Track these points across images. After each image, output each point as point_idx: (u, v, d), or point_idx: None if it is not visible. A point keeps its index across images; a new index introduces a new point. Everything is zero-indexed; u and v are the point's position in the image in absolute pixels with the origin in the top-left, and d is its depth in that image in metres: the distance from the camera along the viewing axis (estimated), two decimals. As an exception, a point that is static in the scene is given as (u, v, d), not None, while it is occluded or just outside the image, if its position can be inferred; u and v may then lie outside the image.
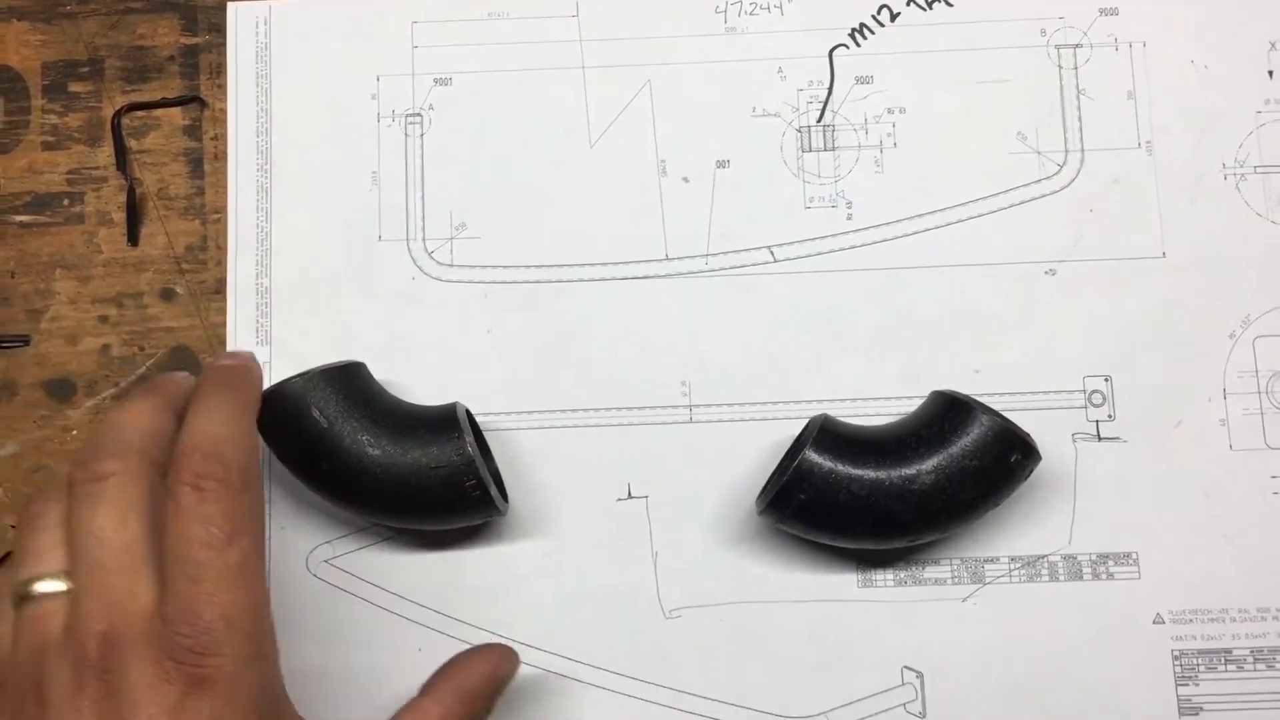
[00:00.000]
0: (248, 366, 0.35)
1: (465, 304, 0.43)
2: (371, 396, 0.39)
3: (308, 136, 0.44)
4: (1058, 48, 0.44)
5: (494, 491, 0.38)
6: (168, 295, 0.44)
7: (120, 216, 0.44)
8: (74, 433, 0.43)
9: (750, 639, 0.41)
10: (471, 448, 0.38)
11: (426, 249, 0.44)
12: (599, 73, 0.44)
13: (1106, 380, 0.42)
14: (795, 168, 0.44)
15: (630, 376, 0.43)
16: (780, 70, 0.44)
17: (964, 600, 0.41)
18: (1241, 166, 0.43)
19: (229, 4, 0.45)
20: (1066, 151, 0.43)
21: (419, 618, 0.42)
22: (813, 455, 0.38)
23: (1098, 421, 0.42)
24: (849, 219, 0.43)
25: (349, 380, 0.39)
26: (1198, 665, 0.41)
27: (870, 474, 0.38)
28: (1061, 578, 0.41)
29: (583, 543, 0.42)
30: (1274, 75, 0.44)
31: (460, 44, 0.45)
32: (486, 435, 0.42)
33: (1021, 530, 0.41)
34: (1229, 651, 0.41)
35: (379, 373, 0.41)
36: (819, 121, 0.44)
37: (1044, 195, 0.43)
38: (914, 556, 0.41)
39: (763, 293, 0.43)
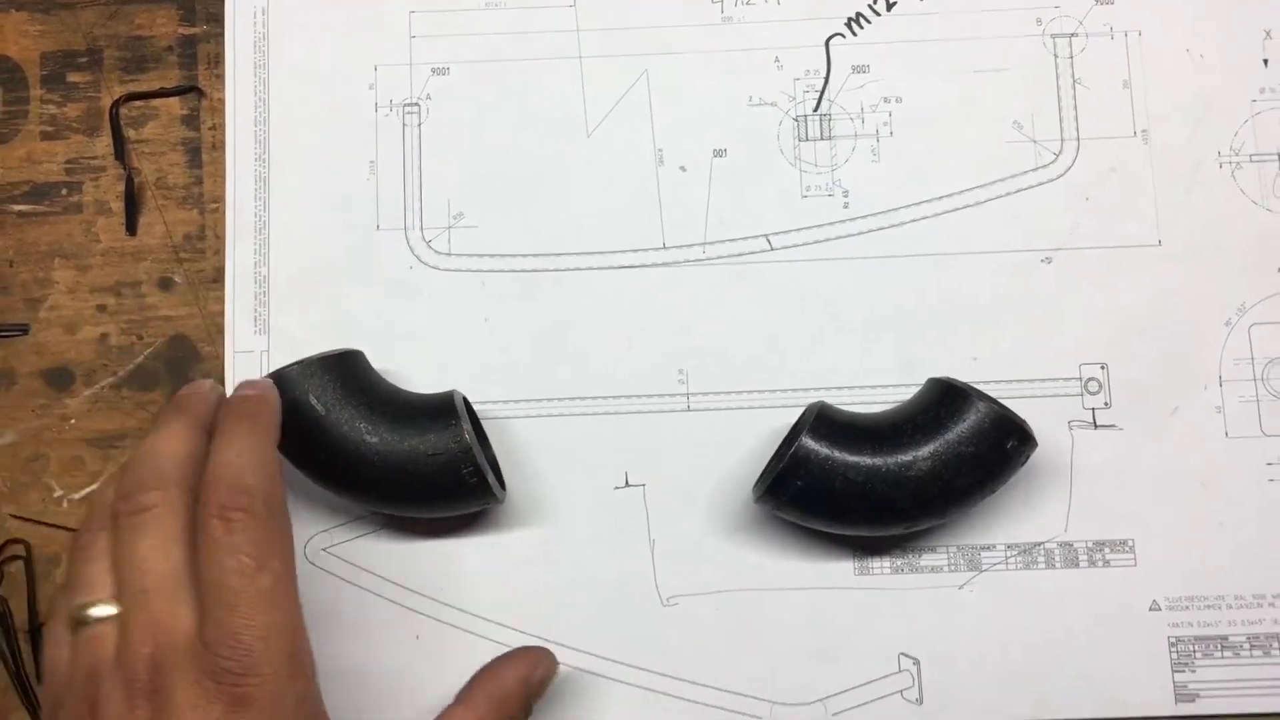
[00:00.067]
0: (265, 396, 0.36)
1: (463, 293, 0.43)
2: (369, 384, 0.39)
3: (306, 126, 0.44)
4: (1053, 37, 0.44)
5: (491, 479, 0.38)
6: (166, 284, 0.44)
7: (119, 206, 0.44)
8: (72, 422, 0.43)
9: (747, 626, 0.41)
10: (469, 435, 0.38)
11: (424, 238, 0.44)
12: (596, 62, 0.45)
13: (1103, 368, 0.42)
14: (792, 157, 0.44)
15: (627, 365, 0.43)
16: (777, 60, 0.44)
17: (960, 587, 0.41)
18: (1237, 155, 0.43)
19: (227, -6, 0.45)
20: (1062, 140, 0.44)
21: (417, 606, 0.42)
22: (809, 442, 0.38)
23: (1094, 409, 0.42)
24: (845, 208, 0.43)
25: (346, 368, 0.39)
26: (1194, 652, 0.41)
27: (867, 460, 0.38)
28: (1058, 565, 0.41)
29: (580, 531, 0.42)
30: (1269, 64, 0.44)
31: (458, 34, 0.45)
32: (484, 424, 0.42)
33: (1018, 518, 0.42)
34: (1225, 638, 0.41)
35: (377, 362, 0.41)
36: (815, 110, 0.44)
37: (1040, 184, 0.43)
38: (910, 544, 0.42)
39: (760, 281, 0.43)
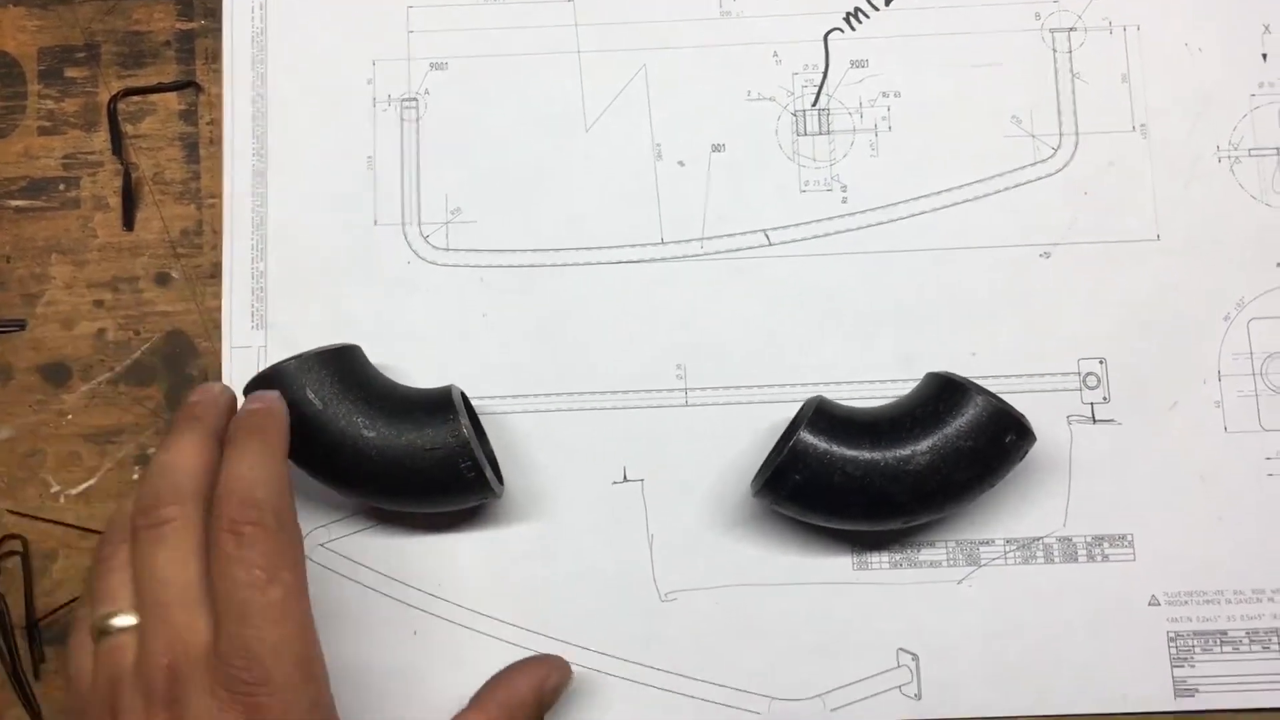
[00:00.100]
0: (273, 408, 0.36)
1: (461, 288, 0.43)
2: (366, 379, 0.39)
3: (303, 121, 0.44)
4: (1052, 31, 0.44)
5: (489, 473, 0.38)
6: (163, 280, 0.44)
7: (116, 201, 0.44)
8: (69, 417, 0.43)
9: (746, 622, 0.41)
10: (467, 429, 0.38)
11: (422, 233, 0.44)
12: (594, 57, 0.44)
13: (1101, 363, 0.42)
14: (790, 151, 0.44)
15: (626, 360, 0.43)
16: (775, 54, 0.44)
17: (959, 582, 0.41)
18: (1236, 149, 0.43)
19: (224, -11, 0.45)
20: (1061, 135, 0.44)
21: (415, 601, 0.42)
22: (807, 436, 0.38)
23: (1093, 404, 0.42)
24: (844, 202, 0.43)
25: (344, 363, 0.39)
26: (1193, 647, 0.41)
27: (865, 455, 0.38)
28: (1057, 560, 0.41)
29: (578, 526, 0.42)
30: (1268, 58, 0.44)
31: (456, 29, 0.45)
32: (482, 419, 0.42)
33: (1016, 512, 0.42)
34: (1224, 633, 0.41)
35: (375, 358, 0.41)
36: (814, 105, 0.44)
37: (1039, 178, 0.43)
38: (909, 539, 0.42)
39: (758, 276, 0.43)
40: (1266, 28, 0.44)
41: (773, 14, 0.44)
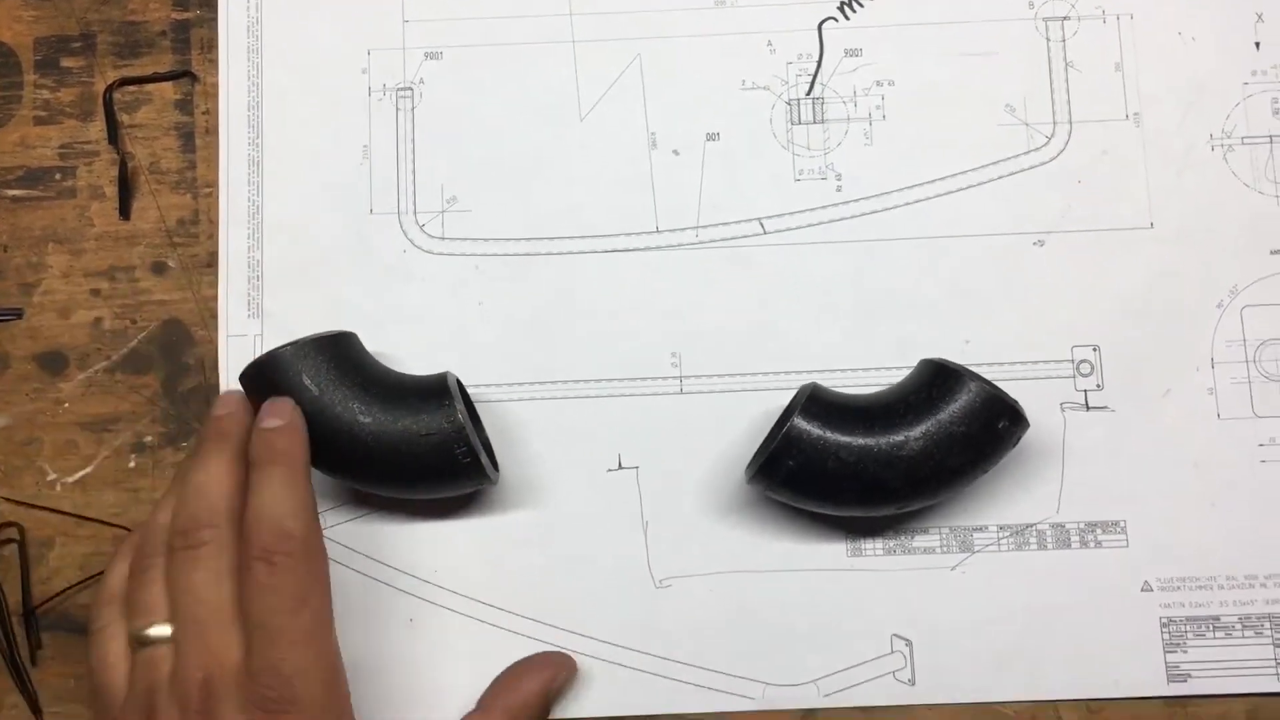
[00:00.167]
0: (293, 424, 0.37)
1: (456, 277, 0.43)
2: (362, 365, 0.39)
3: (299, 111, 0.44)
4: (1045, 20, 0.44)
5: (484, 459, 0.38)
6: (159, 269, 0.44)
7: (112, 190, 0.44)
8: (65, 405, 0.43)
9: (740, 608, 0.41)
10: (462, 415, 0.38)
11: (418, 222, 0.44)
12: (589, 46, 0.45)
13: (1095, 350, 0.42)
14: (785, 140, 0.44)
15: (621, 348, 0.43)
16: (770, 43, 0.44)
17: (953, 569, 0.41)
18: (1229, 137, 0.43)
19: (220, -21, 0.45)
20: (1055, 123, 0.44)
21: (410, 588, 0.42)
22: (801, 422, 0.38)
23: (1086, 391, 0.42)
24: (838, 191, 0.44)
25: (340, 349, 0.39)
26: (1186, 632, 0.41)
27: (859, 440, 0.38)
28: (1050, 546, 0.41)
29: (573, 513, 0.42)
30: (1261, 47, 0.44)
31: (451, 18, 0.45)
32: (478, 406, 0.42)
33: (1010, 499, 0.42)
34: (1217, 619, 0.41)
35: (371, 346, 0.41)
36: (808, 94, 0.44)
37: (1033, 167, 0.43)
38: (903, 525, 0.42)
39: (753, 264, 0.43)
40: (1259, 16, 0.44)
41: (767, 3, 0.45)
